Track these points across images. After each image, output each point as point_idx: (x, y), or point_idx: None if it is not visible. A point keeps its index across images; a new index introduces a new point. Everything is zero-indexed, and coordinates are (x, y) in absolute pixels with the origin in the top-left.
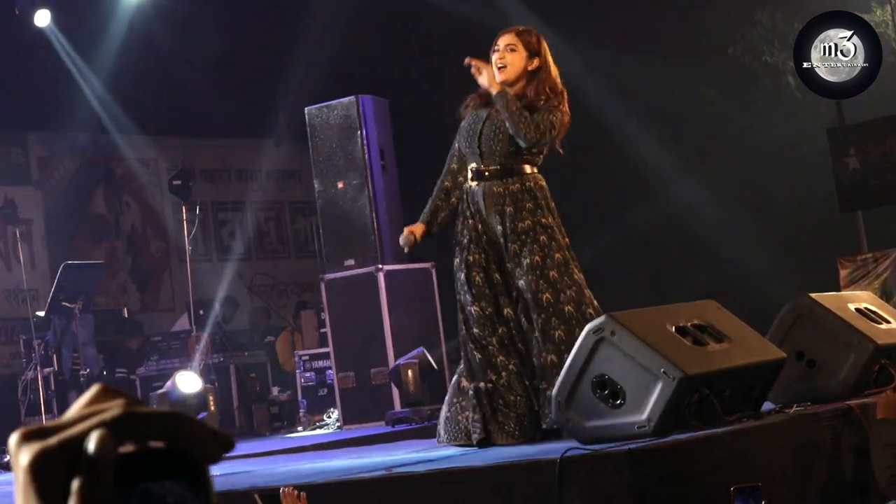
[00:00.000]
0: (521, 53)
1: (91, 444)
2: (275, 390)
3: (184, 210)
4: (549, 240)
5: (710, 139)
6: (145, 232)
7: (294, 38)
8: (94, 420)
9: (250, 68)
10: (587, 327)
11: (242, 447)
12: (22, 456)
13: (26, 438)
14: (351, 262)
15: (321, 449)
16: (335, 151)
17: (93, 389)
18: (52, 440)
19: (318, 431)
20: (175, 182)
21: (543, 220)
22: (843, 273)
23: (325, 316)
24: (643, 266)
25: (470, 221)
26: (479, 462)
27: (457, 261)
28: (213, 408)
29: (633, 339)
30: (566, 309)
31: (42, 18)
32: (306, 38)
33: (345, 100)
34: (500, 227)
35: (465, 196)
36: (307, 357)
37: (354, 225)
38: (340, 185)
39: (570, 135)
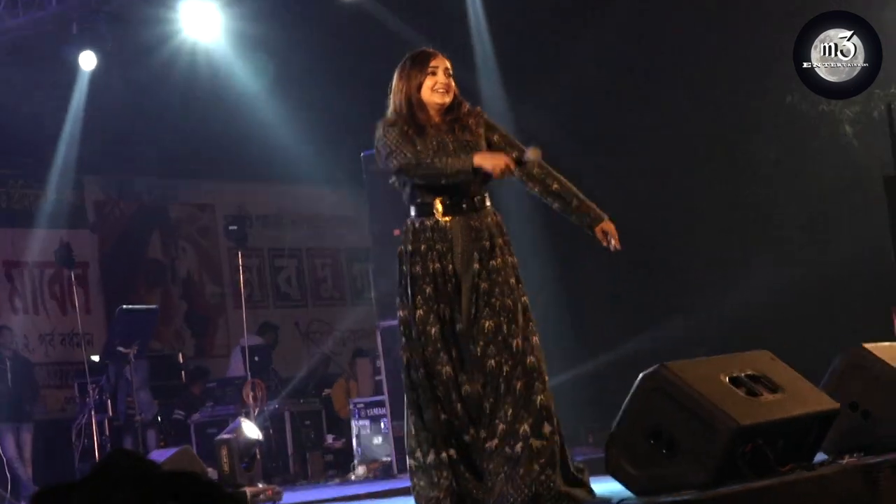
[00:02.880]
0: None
1: None
2: (329, 438)
3: (240, 255)
4: (517, 282)
5: (767, 187)
6: (201, 277)
7: (352, 83)
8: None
9: (308, 113)
10: (641, 375)
11: (296, 495)
12: None
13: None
14: None
15: (375, 497)
16: (391, 197)
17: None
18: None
19: (371, 479)
20: (231, 227)
21: (512, 259)
22: None
23: (381, 363)
24: (695, 315)
25: (436, 265)
26: None
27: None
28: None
29: (687, 389)
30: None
31: (87, 61)
32: (363, 83)
33: None
34: (476, 266)
35: (426, 233)
36: (362, 405)
37: None
38: (396, 231)
39: (631, 188)
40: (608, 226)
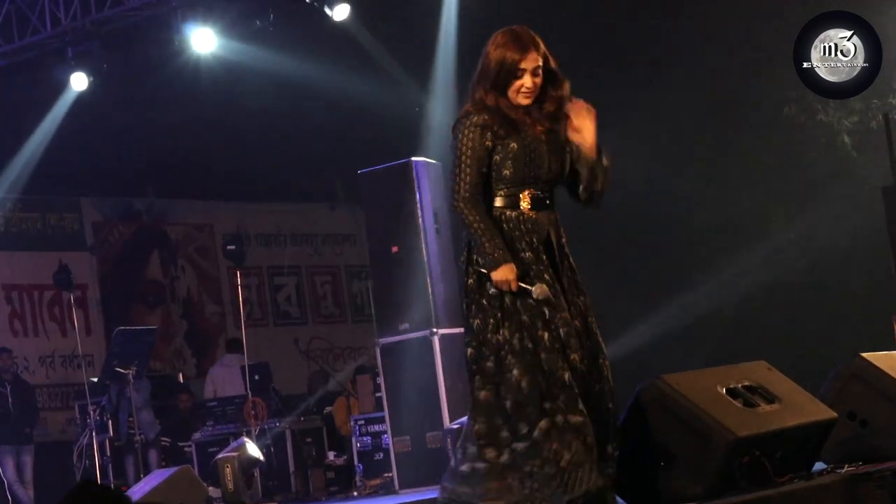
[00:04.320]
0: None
1: None
2: (331, 455)
3: (238, 274)
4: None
5: (767, 196)
6: (200, 296)
7: (347, 103)
8: None
9: (304, 132)
10: (638, 388)
11: None
12: None
13: None
14: (406, 325)
15: None
16: (389, 215)
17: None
18: None
19: (373, 496)
20: (229, 247)
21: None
22: None
23: (381, 380)
24: (693, 326)
25: (528, 254)
26: None
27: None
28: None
29: (684, 401)
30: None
31: (78, 82)
32: (360, 101)
33: (398, 163)
34: (567, 262)
35: (516, 225)
36: (363, 421)
37: (409, 289)
38: (394, 248)
39: (623, 201)
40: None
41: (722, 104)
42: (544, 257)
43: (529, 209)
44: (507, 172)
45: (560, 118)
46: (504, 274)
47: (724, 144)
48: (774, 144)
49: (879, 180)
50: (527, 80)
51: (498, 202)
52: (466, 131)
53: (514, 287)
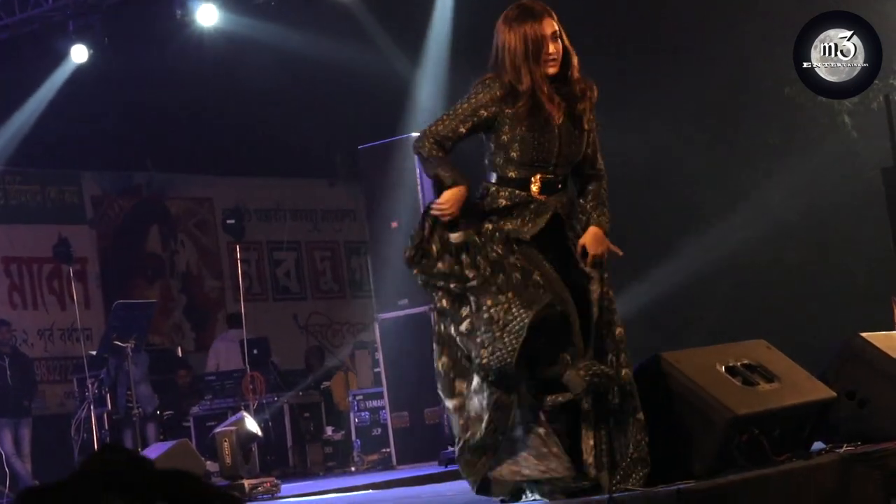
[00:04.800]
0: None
1: None
2: (329, 430)
3: (238, 249)
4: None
5: (766, 176)
6: (200, 271)
7: (347, 78)
8: (100, 479)
9: (304, 108)
10: (637, 366)
11: (296, 487)
12: None
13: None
14: (405, 301)
15: (375, 488)
16: (388, 191)
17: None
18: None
19: (371, 471)
20: (229, 221)
21: None
22: None
23: (379, 355)
24: (694, 304)
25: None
26: None
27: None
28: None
29: (683, 379)
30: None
31: (79, 55)
32: (360, 77)
33: (398, 139)
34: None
35: (523, 204)
36: (361, 397)
37: None
38: (394, 224)
39: (629, 174)
40: (586, 237)
41: (723, 85)
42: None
43: (539, 193)
44: (514, 154)
45: (579, 98)
46: (454, 193)
47: (725, 125)
48: (775, 124)
49: (879, 161)
50: (549, 47)
51: (507, 183)
52: (478, 88)
53: (454, 211)
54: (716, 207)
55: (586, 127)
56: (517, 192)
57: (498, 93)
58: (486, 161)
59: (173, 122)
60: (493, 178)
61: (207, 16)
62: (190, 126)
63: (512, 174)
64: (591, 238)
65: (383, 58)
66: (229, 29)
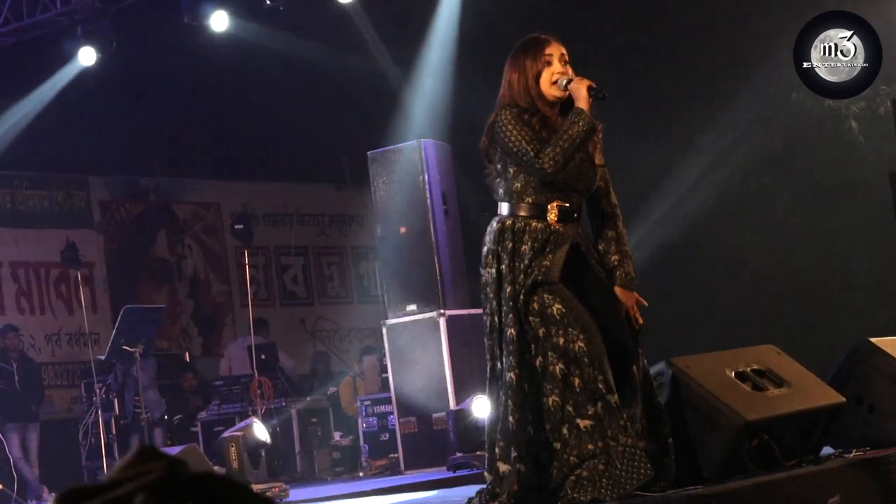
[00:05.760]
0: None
1: None
2: (336, 435)
3: (246, 254)
4: None
5: (775, 181)
6: (207, 276)
7: (357, 82)
8: (137, 483)
9: (312, 112)
10: (652, 371)
11: (304, 492)
12: None
13: (69, 500)
14: (413, 307)
15: (382, 493)
16: (397, 196)
17: (134, 450)
18: (95, 503)
19: (378, 476)
20: (237, 226)
21: None
22: None
23: (387, 361)
24: (704, 310)
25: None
26: None
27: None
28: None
29: (693, 384)
30: None
31: (87, 57)
32: (369, 82)
33: (407, 144)
34: (594, 277)
35: (544, 236)
36: (369, 402)
37: (416, 270)
38: (403, 229)
39: (629, 188)
40: (619, 292)
41: (729, 90)
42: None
43: (556, 221)
44: (532, 178)
45: (591, 146)
46: (580, 100)
47: (732, 130)
48: (782, 129)
49: (886, 165)
50: (556, 67)
51: (523, 211)
52: (504, 118)
53: (589, 83)
54: (723, 214)
55: (598, 162)
56: (533, 222)
57: (515, 110)
58: (501, 191)
59: (181, 126)
60: (507, 209)
61: (219, 21)
62: (197, 131)
63: (529, 199)
64: (622, 296)
65: (391, 63)
66: (238, 34)
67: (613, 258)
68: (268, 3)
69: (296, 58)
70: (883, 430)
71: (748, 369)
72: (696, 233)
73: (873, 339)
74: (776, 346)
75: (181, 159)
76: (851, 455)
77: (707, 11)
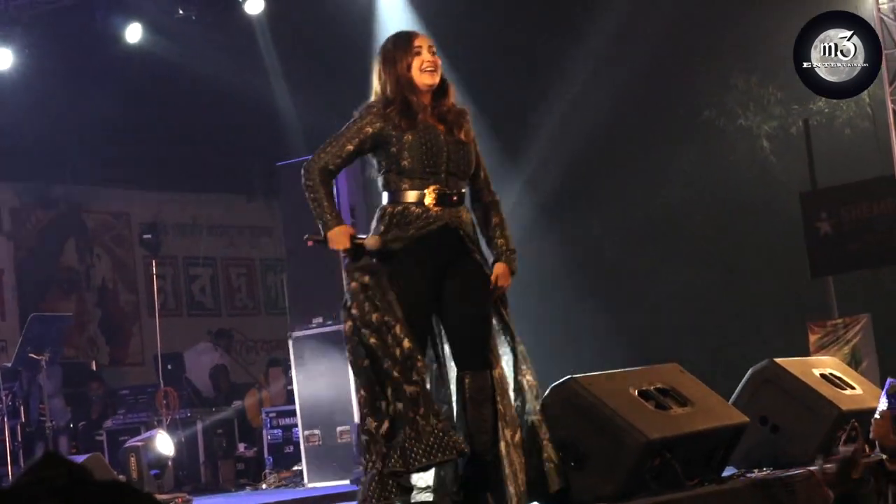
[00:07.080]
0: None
1: None
2: (241, 447)
3: (154, 264)
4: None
5: (685, 200)
6: (115, 285)
7: (268, 94)
8: (41, 487)
9: (223, 124)
10: (550, 388)
11: (208, 503)
12: None
13: None
14: (319, 319)
15: None
16: (305, 208)
17: (39, 456)
18: None
19: (282, 488)
20: (146, 236)
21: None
22: (812, 338)
23: (293, 373)
24: (609, 328)
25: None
26: None
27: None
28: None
29: (596, 402)
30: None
31: (3, 60)
32: (279, 94)
33: None
34: (467, 264)
35: (414, 219)
36: (274, 414)
37: (322, 282)
38: (310, 242)
39: (554, 203)
40: (497, 268)
41: (639, 108)
42: (425, 255)
43: (434, 205)
44: (405, 163)
45: (456, 125)
46: (336, 235)
47: (643, 148)
48: (693, 148)
49: (797, 185)
50: (426, 55)
51: (403, 198)
52: (362, 112)
53: (347, 245)
54: (631, 231)
55: (470, 138)
56: (412, 207)
57: (379, 110)
58: (380, 184)
59: (92, 134)
60: (386, 198)
61: (133, 33)
62: (108, 139)
63: (406, 186)
64: (502, 274)
65: (300, 78)
66: (149, 46)
67: (500, 243)
68: (180, 12)
69: (207, 70)
70: (786, 450)
71: (652, 388)
72: (601, 251)
73: (778, 360)
74: (680, 366)
75: (92, 168)
76: (753, 475)
77: (622, 25)
